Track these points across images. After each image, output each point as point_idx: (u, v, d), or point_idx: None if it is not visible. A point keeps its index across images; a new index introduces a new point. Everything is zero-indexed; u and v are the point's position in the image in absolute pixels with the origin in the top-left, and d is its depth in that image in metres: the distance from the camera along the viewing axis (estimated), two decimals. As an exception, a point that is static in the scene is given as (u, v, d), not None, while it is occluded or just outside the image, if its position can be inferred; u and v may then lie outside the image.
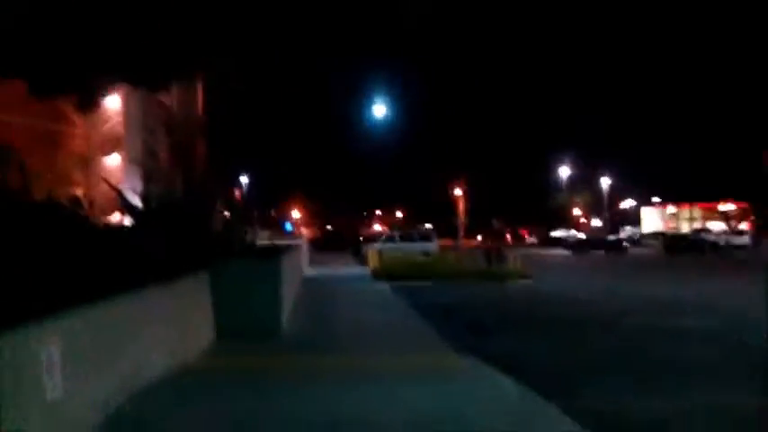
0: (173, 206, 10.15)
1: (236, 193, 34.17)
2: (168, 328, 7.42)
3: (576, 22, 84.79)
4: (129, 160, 28.15)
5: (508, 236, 55.43)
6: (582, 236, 50.22)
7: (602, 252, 43.99)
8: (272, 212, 46.74)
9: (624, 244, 45.57)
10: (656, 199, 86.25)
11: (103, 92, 21.78)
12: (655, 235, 61.67)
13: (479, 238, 73.30)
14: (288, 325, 10.67)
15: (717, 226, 67.74)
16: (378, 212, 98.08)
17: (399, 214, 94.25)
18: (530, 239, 71.12)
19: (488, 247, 23.90)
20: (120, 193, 10.69)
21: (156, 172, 24.70)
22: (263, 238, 31.06)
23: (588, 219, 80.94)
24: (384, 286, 18.74)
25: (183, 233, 9.40)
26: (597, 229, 66.50)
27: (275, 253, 12.84)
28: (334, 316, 12.38)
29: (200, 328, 9.00)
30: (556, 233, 67.80)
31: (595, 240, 46.83)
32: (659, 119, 77.50)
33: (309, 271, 25.97)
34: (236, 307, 9.87)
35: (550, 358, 8.64)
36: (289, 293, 12.55)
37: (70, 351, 4.48)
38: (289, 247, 18.71)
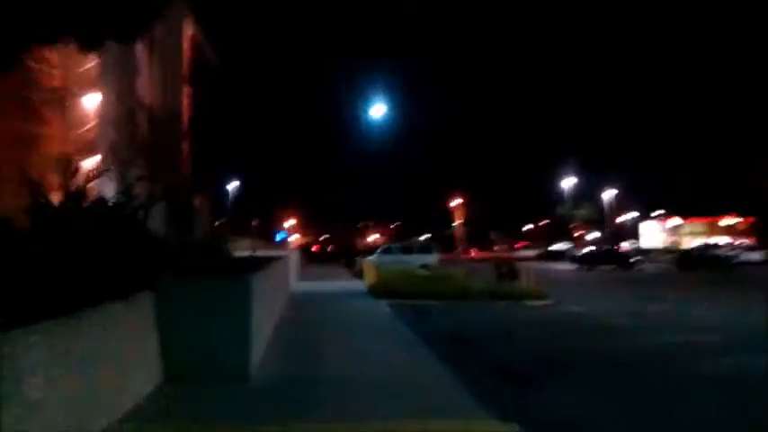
0: (99, 206, 7.63)
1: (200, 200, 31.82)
2: (76, 373, 4.92)
3: (580, 32, 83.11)
4: (103, 161, 25.75)
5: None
6: (587, 249, 47.79)
7: (609, 267, 41.57)
8: (254, 221, 43.92)
9: (632, 259, 43.11)
10: (657, 212, 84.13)
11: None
12: (665, 251, 59.43)
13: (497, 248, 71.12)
14: (262, 363, 8.20)
15: (721, 241, 65.49)
16: (372, 223, 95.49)
17: (393, 225, 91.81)
18: (524, 253, 68.47)
19: (500, 261, 21.39)
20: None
21: (132, 174, 22.18)
22: (244, 248, 28.70)
23: (585, 232, 78.81)
24: (383, 306, 16.23)
25: (116, 241, 6.92)
26: (602, 241, 64.10)
27: (251, 267, 10.38)
28: (322, 349, 9.85)
29: (135, 372, 6.50)
30: (556, 246, 65.51)
31: (603, 255, 44.32)
32: (661, 132, 75.38)
33: (299, 286, 23.47)
34: (192, 339, 7.43)
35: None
36: (266, 319, 10.04)
37: None
38: (272, 260, 16.24)
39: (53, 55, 31.38)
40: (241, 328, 7.62)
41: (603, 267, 41.38)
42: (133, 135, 23.95)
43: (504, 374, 8.29)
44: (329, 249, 68.46)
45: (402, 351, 9.68)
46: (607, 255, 44.17)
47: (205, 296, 7.59)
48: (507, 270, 20.77)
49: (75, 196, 7.42)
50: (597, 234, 77.13)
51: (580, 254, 46.45)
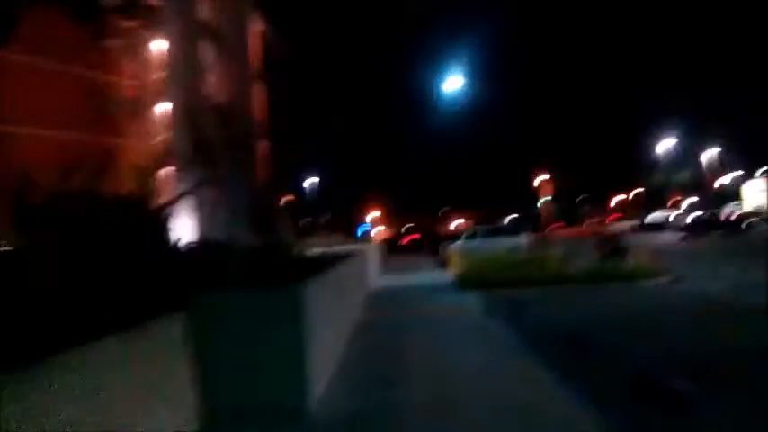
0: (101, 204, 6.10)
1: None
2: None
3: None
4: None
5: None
6: (691, 216, 43.65)
7: (717, 233, 37.65)
8: (323, 218, 42.55)
9: (744, 223, 38.86)
10: (761, 170, 76.97)
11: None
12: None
13: (587, 223, 66.78)
14: (327, 391, 6.56)
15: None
16: (456, 208, 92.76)
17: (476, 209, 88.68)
18: (618, 226, 63.88)
19: (603, 237, 18.83)
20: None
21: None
22: (323, 245, 27.43)
23: (682, 199, 73.20)
24: (473, 300, 14.29)
25: (129, 249, 5.42)
26: (702, 206, 58.92)
27: (315, 268, 8.78)
28: (404, 364, 8.09)
29: (156, 416, 4.97)
30: (652, 216, 60.73)
31: (710, 221, 40.29)
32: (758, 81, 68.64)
33: (380, 281, 21.85)
34: (233, 369, 5.87)
35: None
36: (333, 331, 8.39)
37: None
38: (345, 256, 14.67)
39: (128, 65, 31.49)
40: (294, 351, 5.99)
41: (711, 234, 37.57)
42: (201, 136, 23.10)
43: (646, 393, 6.22)
44: (408, 240, 66.69)
45: (503, 362, 7.79)
46: (714, 221, 40.16)
47: (247, 313, 6.01)
48: (613, 246, 18.24)
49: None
50: (693, 200, 71.51)
51: (684, 222, 42.53)
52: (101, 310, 4.38)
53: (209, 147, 19.73)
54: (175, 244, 8.50)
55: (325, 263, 12.00)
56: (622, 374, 7.02)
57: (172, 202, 6.72)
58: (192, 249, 9.71)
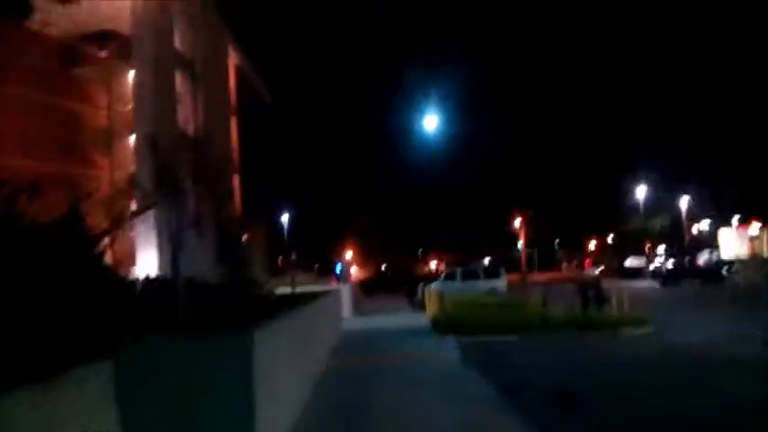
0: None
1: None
2: None
3: (636, 41, 79.15)
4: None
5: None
6: (669, 264, 43.46)
7: (695, 282, 37.22)
8: (292, 256, 41.22)
9: (723, 272, 38.66)
10: (734, 218, 77.67)
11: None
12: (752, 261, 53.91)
13: (564, 267, 66.10)
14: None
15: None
16: (431, 251, 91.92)
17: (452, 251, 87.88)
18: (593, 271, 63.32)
19: (584, 283, 18.09)
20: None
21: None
22: (298, 284, 26.40)
23: (655, 246, 73.38)
24: (450, 347, 13.32)
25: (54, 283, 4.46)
26: (679, 253, 58.93)
27: (274, 310, 7.87)
28: (372, 424, 7.10)
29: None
30: (630, 262, 60.50)
31: (688, 269, 40.05)
32: (728, 134, 69.75)
33: (353, 323, 20.83)
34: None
35: None
36: (292, 387, 7.41)
37: None
38: (317, 297, 13.76)
39: (101, 95, 30.58)
40: (240, 411, 5.04)
41: (689, 283, 37.19)
42: (164, 163, 22.07)
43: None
44: (385, 278, 65.41)
45: (486, 424, 6.87)
46: (693, 268, 39.93)
47: (186, 364, 5.05)
48: (594, 293, 17.51)
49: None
50: (663, 247, 71.66)
51: (663, 269, 42.21)
52: (8, 353, 3.45)
53: (173, 175, 18.79)
54: (118, 277, 7.53)
55: (294, 303, 11.08)
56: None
57: (110, 228, 5.81)
58: (147, 285, 8.76)
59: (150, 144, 18.35)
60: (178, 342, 5.09)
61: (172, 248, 18.40)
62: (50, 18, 23.80)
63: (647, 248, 70.93)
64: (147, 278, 9.86)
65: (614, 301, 17.52)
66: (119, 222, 5.86)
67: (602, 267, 58.34)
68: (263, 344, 5.60)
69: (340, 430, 6.89)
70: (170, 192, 18.08)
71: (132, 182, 22.07)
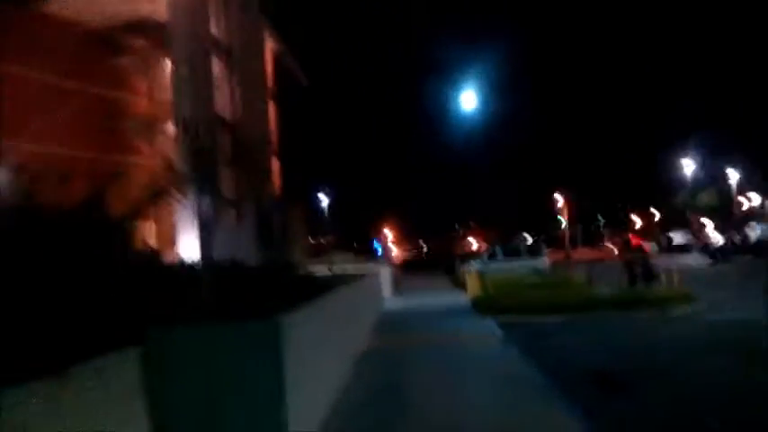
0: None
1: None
2: None
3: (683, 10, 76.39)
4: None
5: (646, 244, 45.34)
6: (721, 239, 41.92)
7: (747, 258, 35.82)
8: (328, 238, 40.81)
9: (779, 246, 37.05)
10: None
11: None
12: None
13: (609, 246, 64.73)
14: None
15: None
16: (470, 227, 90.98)
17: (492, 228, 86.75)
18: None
19: (631, 261, 17.51)
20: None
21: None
22: (329, 264, 26.41)
23: (702, 221, 71.12)
24: (492, 328, 13.08)
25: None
26: (730, 229, 57.00)
27: (317, 292, 7.77)
28: (409, 412, 6.91)
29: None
30: (677, 238, 58.79)
31: (738, 245, 38.67)
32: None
33: (392, 303, 20.73)
34: (197, 423, 4.81)
35: None
36: (329, 369, 7.30)
37: None
38: (356, 278, 13.67)
39: (140, 84, 30.97)
40: (271, 397, 4.92)
41: (740, 258, 35.87)
42: (201, 147, 22.05)
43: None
44: (423, 257, 65.20)
45: (529, 408, 6.65)
46: (744, 243, 38.53)
47: (215, 350, 4.95)
48: (642, 269, 16.95)
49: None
50: (709, 222, 69.43)
51: (715, 245, 40.81)
52: (26, 344, 3.37)
53: (210, 159, 18.80)
54: (147, 260, 7.49)
55: (332, 284, 10.97)
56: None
57: (135, 212, 5.72)
58: (184, 269, 8.73)
59: (185, 128, 18.48)
60: (200, 330, 4.98)
61: (201, 231, 18.55)
62: (77, 5, 24.06)
63: (694, 225, 68.92)
64: (181, 262, 9.84)
65: (663, 278, 17.00)
66: (145, 206, 5.74)
67: (653, 244, 56.92)
68: (294, 328, 5.48)
69: (379, 411, 6.75)
70: (206, 174, 18.18)
71: (169, 166, 22.32)
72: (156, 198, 6.20)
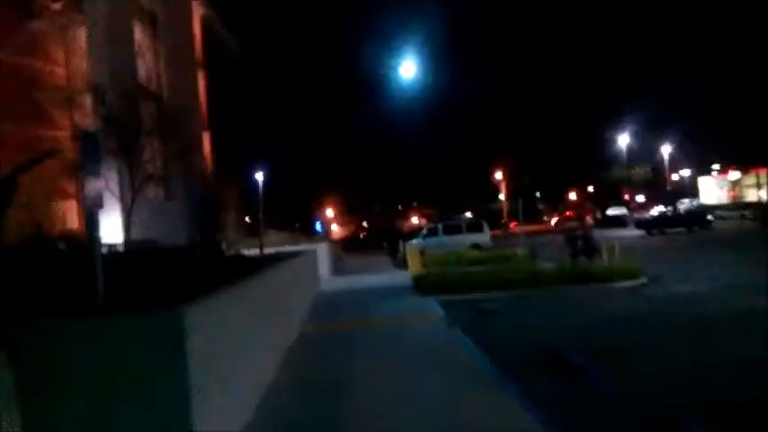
0: None
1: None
2: None
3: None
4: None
5: (588, 216, 45.25)
6: (654, 212, 42.90)
7: (680, 230, 36.66)
8: (260, 215, 39.25)
9: (709, 217, 38.05)
10: (715, 167, 77.65)
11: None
12: (733, 206, 53.71)
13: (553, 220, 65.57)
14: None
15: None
16: (414, 204, 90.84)
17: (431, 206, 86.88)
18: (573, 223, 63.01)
19: (572, 232, 17.12)
20: None
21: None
22: (266, 244, 25.29)
23: (634, 195, 73.31)
24: (433, 307, 12.37)
25: None
26: (661, 201, 58.60)
27: (244, 273, 6.81)
28: (346, 403, 6.09)
29: None
30: (612, 211, 60.09)
31: (672, 217, 39.51)
32: (708, 81, 68.91)
33: (332, 283, 19.85)
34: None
35: None
36: (250, 363, 6.35)
37: None
38: (292, 257, 12.73)
39: (59, 53, 28.65)
40: (172, 405, 3.98)
41: (673, 230, 36.65)
42: (137, 124, 20.30)
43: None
44: (362, 236, 64.45)
45: (475, 397, 5.91)
46: (676, 217, 39.38)
47: (103, 348, 3.97)
48: (584, 244, 16.61)
49: None
50: (641, 197, 71.59)
51: (647, 217, 41.62)
52: None
53: (128, 130, 17.27)
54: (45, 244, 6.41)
55: (260, 264, 9.98)
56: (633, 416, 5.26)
57: (9, 182, 4.59)
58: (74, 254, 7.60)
59: (97, 95, 16.91)
60: (84, 324, 3.99)
61: (123, 209, 17.08)
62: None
63: (626, 197, 70.74)
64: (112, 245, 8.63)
65: (604, 252, 16.73)
66: (19, 173, 4.60)
67: (592, 217, 57.88)
68: (204, 318, 4.53)
69: (306, 413, 5.88)
70: (121, 146, 16.63)
71: (78, 137, 20.47)
72: (33, 164, 5.05)
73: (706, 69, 68.83)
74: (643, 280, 14.51)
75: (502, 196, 72.61)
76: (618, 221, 52.69)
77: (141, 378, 3.97)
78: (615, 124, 64.96)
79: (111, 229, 22.14)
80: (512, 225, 62.43)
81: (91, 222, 5.02)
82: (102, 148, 13.26)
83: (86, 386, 3.95)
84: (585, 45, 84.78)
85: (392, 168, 77.78)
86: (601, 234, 30.25)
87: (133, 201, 17.36)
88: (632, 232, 39.95)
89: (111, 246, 14.28)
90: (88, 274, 4.85)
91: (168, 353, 3.97)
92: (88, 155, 4.60)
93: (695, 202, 63.65)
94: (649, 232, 37.33)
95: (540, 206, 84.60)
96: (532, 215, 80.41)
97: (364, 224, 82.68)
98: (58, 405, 3.92)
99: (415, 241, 28.62)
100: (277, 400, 6.28)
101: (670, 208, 45.33)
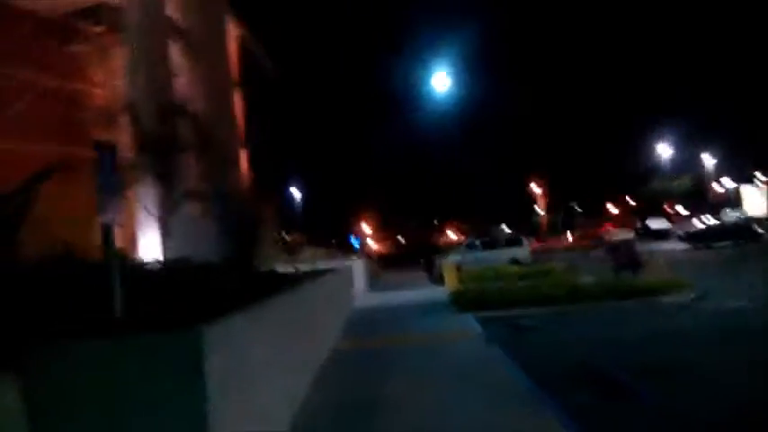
0: None
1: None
2: None
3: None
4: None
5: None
6: (701, 225, 41.58)
7: (726, 243, 35.25)
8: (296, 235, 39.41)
9: (758, 230, 36.58)
10: (760, 177, 74.99)
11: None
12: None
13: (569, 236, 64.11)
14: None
15: None
16: (449, 221, 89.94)
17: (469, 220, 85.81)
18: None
19: (616, 248, 16.48)
20: None
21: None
22: (300, 261, 25.11)
23: (675, 207, 71.18)
24: (471, 324, 11.99)
25: None
26: (706, 213, 56.75)
27: (256, 294, 6.59)
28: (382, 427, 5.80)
29: None
30: (654, 224, 58.35)
31: (718, 230, 38.18)
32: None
33: (367, 299, 19.58)
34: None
35: None
36: (280, 383, 6.12)
37: None
38: (326, 274, 12.53)
39: (98, 74, 29.34)
40: (191, 429, 3.76)
41: (720, 244, 35.32)
42: (173, 142, 20.37)
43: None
44: (403, 250, 64.11)
45: (514, 418, 5.56)
46: (722, 230, 38.02)
47: (117, 371, 3.78)
48: (627, 257, 16.00)
49: None
50: (681, 208, 69.47)
51: (693, 230, 40.29)
52: None
53: (165, 148, 17.31)
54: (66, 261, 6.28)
55: (296, 281, 9.79)
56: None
57: (16, 193, 4.48)
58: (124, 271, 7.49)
59: (133, 115, 17.02)
60: (95, 345, 3.80)
61: (160, 226, 17.15)
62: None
63: (670, 211, 68.80)
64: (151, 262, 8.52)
65: (650, 266, 16.10)
66: (33, 186, 4.48)
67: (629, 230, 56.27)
68: (227, 338, 4.32)
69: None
70: (156, 164, 16.68)
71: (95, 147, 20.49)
72: (42, 178, 4.93)
73: (746, 77, 66.96)
74: (691, 295, 13.87)
75: (539, 209, 71.57)
76: (660, 234, 51.27)
77: (156, 401, 3.76)
78: (655, 136, 63.62)
79: (150, 246, 22.34)
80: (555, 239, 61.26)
81: (107, 238, 4.87)
82: (140, 168, 13.34)
83: (98, 408, 3.76)
84: (625, 57, 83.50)
85: (427, 182, 77.52)
86: (644, 247, 29.36)
87: (169, 218, 17.42)
88: (676, 245, 38.73)
89: (145, 263, 14.31)
90: (110, 292, 4.68)
91: (186, 374, 3.75)
92: (104, 167, 4.45)
93: (740, 214, 61.51)
94: (695, 245, 36.10)
95: (579, 220, 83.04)
96: (571, 229, 78.98)
97: (400, 239, 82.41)
98: (67, 428, 3.74)
99: (452, 257, 28.17)
100: (308, 421, 6.03)
101: (716, 222, 43.83)
